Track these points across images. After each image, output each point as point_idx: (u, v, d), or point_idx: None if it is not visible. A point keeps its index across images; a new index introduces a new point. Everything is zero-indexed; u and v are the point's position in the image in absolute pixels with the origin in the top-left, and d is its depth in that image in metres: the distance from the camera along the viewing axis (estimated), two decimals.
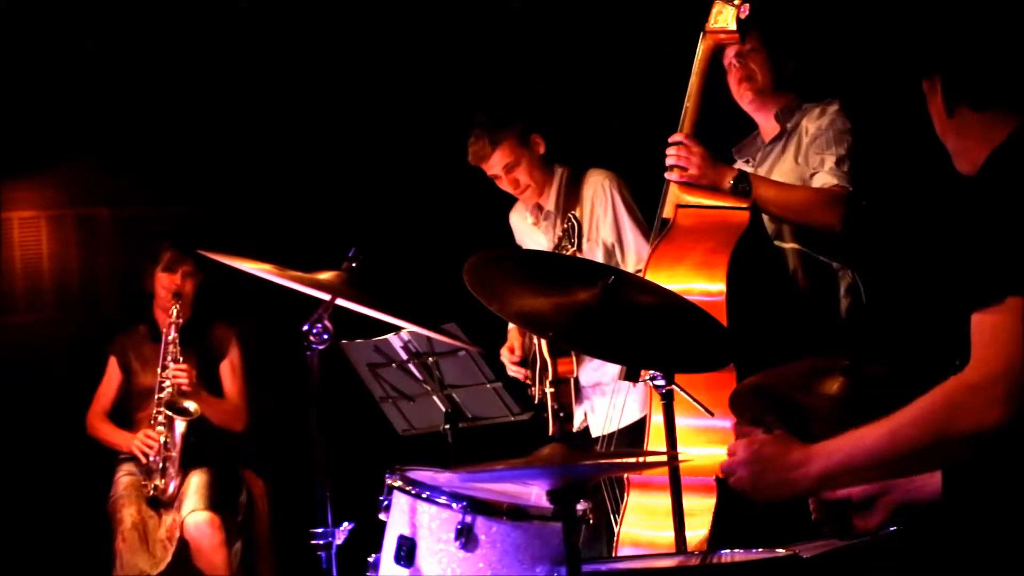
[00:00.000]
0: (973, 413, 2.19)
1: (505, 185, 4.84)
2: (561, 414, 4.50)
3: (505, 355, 4.79)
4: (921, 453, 2.26)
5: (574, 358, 4.63)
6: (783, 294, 3.99)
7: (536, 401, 4.65)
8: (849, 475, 2.36)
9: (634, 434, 4.42)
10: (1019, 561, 2.28)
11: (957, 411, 2.21)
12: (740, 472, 2.44)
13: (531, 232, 4.99)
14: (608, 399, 4.51)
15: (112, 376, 5.79)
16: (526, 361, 4.75)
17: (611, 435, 4.52)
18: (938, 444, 2.23)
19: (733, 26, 4.01)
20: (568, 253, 4.31)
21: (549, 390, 4.54)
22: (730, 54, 4.14)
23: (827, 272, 4.05)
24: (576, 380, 4.67)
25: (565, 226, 4.43)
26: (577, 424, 4.73)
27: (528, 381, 4.72)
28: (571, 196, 4.82)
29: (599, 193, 4.75)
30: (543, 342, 4.63)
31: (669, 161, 4.02)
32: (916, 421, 2.25)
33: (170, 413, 5.48)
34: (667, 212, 4.02)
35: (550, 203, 4.87)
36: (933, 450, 2.25)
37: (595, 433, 4.62)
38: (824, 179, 3.95)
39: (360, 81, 6.45)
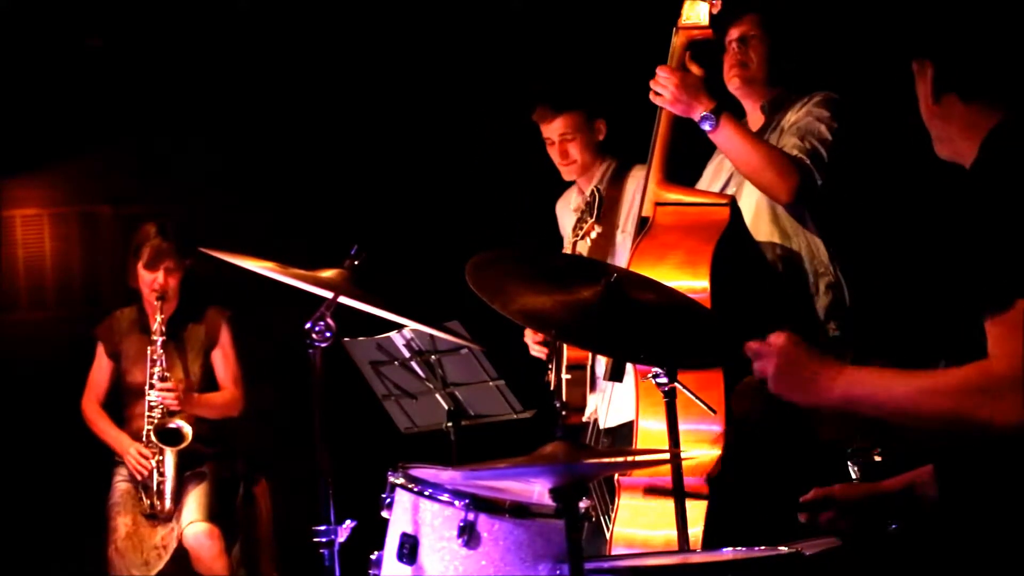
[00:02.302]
0: (992, 404, 2.23)
1: (554, 153, 4.86)
2: (563, 411, 4.49)
3: (529, 334, 4.77)
4: (937, 421, 2.31)
5: None
6: (762, 290, 3.99)
7: (552, 387, 4.64)
8: (866, 409, 2.41)
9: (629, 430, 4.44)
10: (1018, 561, 2.29)
11: (982, 398, 2.24)
12: (767, 363, 2.50)
13: (572, 219, 5.01)
14: (623, 391, 4.51)
15: (101, 363, 5.69)
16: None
17: (616, 428, 4.50)
18: (956, 420, 2.27)
19: (706, 21, 4.01)
20: (587, 226, 4.33)
21: (566, 376, 4.54)
22: (733, 35, 4.14)
23: (807, 268, 4.05)
24: (592, 368, 4.66)
25: (588, 199, 4.44)
26: (588, 413, 4.72)
27: (548, 362, 4.70)
28: (613, 187, 4.84)
29: (640, 187, 4.77)
30: None
31: (653, 86, 4.02)
32: (946, 392, 2.29)
33: (160, 444, 5.38)
34: (646, 210, 4.02)
35: (589, 191, 4.89)
36: (949, 423, 2.29)
37: (603, 424, 4.61)
38: (787, 150, 3.95)
39: (361, 80, 6.45)
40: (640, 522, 3.74)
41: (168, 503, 5.39)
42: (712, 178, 4.28)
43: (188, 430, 5.39)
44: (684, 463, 3.44)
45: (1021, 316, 2.20)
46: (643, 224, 3.98)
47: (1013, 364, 2.21)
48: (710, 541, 3.53)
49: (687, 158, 4.26)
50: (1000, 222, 2.25)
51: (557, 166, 4.90)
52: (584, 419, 4.69)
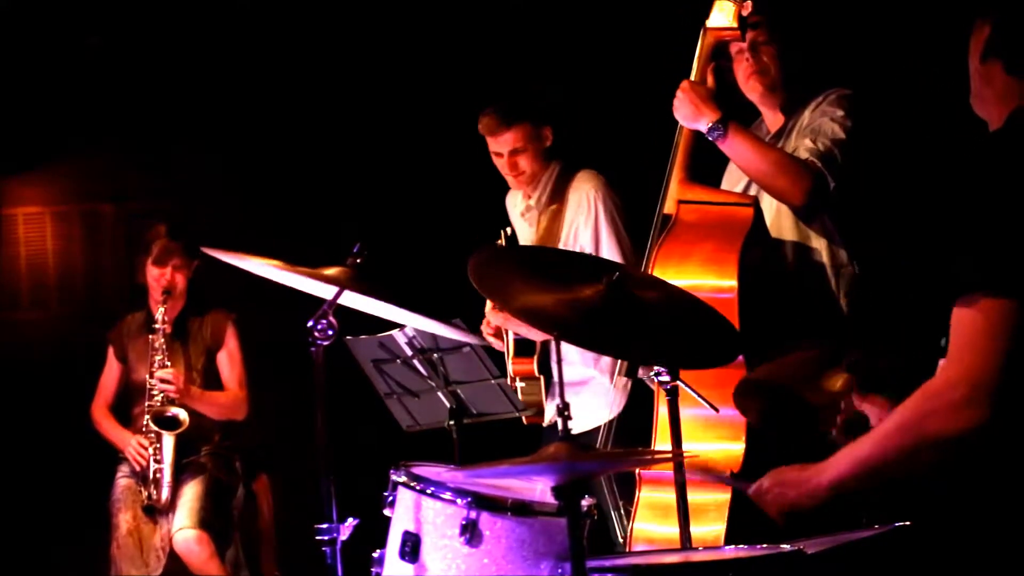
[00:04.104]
0: (940, 417, 2.27)
1: (502, 165, 4.84)
2: (565, 413, 4.51)
3: (485, 324, 4.77)
4: (908, 458, 2.33)
5: (535, 360, 4.65)
6: (783, 289, 3.97)
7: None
8: (853, 482, 2.45)
9: (591, 438, 4.48)
10: (1020, 559, 2.29)
11: (927, 416, 2.29)
12: (766, 497, 2.62)
13: (518, 220, 5.01)
14: (584, 400, 4.56)
15: (111, 366, 5.74)
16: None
17: (578, 435, 4.53)
18: (919, 449, 2.31)
19: (734, 23, 3.99)
20: None
21: (520, 384, 4.56)
22: (743, 44, 4.07)
23: (828, 268, 4.03)
24: (547, 376, 4.69)
25: (507, 235, 4.43)
26: (548, 419, 4.76)
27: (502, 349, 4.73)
28: (557, 194, 4.83)
29: (583, 202, 4.75)
30: (509, 340, 4.66)
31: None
32: (896, 428, 2.34)
33: (157, 428, 5.42)
34: (668, 208, 3.98)
35: (534, 197, 4.89)
36: (917, 454, 2.32)
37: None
38: (800, 153, 3.92)
39: (363, 78, 6.45)
40: (661, 520, 3.72)
41: (165, 492, 5.41)
42: (736, 179, 4.25)
43: (185, 416, 5.42)
44: (710, 458, 3.45)
45: (981, 314, 2.22)
46: (665, 222, 3.94)
47: (956, 373, 2.25)
48: (733, 538, 3.52)
49: (710, 157, 4.24)
50: (986, 207, 2.26)
51: (505, 177, 4.89)
52: (545, 424, 4.73)
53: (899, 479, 2.55)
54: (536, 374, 4.67)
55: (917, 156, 4.70)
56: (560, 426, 2.81)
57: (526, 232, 4.92)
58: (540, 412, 4.72)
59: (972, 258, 2.25)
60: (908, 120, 4.76)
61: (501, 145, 4.79)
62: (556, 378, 4.43)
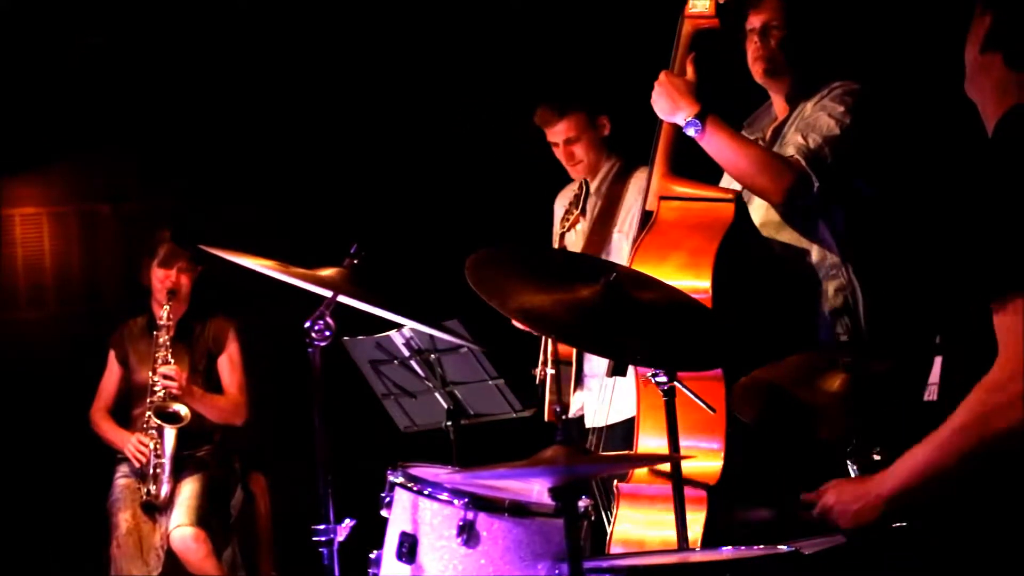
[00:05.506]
0: (1002, 412, 2.23)
1: (560, 154, 4.84)
2: (557, 408, 4.49)
3: None
4: (970, 459, 2.30)
5: None
6: (765, 290, 3.92)
7: (537, 381, 4.64)
8: (915, 492, 2.42)
9: (629, 429, 4.43)
10: (1021, 559, 2.29)
11: (989, 412, 2.26)
12: (833, 512, 2.59)
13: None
14: (609, 390, 4.49)
15: (112, 370, 5.78)
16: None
17: (604, 428, 4.49)
18: (982, 447, 2.27)
19: (712, 11, 3.92)
20: (572, 217, 4.29)
21: (551, 371, 4.53)
22: (754, 23, 3.98)
23: (817, 269, 3.97)
24: (579, 365, 4.65)
25: (576, 191, 4.40)
26: (574, 410, 4.72)
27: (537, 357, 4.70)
28: (615, 186, 4.81)
29: (642, 190, 4.75)
30: None
31: None
32: (957, 429, 2.30)
33: (159, 421, 5.46)
34: (650, 204, 3.92)
35: (593, 185, 4.86)
36: (980, 453, 2.29)
37: (588, 423, 4.58)
38: (788, 148, 3.84)
39: (361, 78, 6.45)
40: (639, 524, 3.71)
41: (165, 488, 5.42)
42: None
43: (187, 411, 5.46)
44: (689, 473, 3.43)
45: (1016, 315, 2.20)
46: (647, 219, 3.89)
47: (1012, 369, 2.22)
48: (710, 541, 3.51)
49: (698, 149, 4.21)
50: (1008, 208, 2.24)
51: (564, 166, 4.89)
52: (571, 415, 4.69)
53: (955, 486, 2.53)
54: (574, 356, 4.63)
55: (922, 154, 4.66)
56: (551, 416, 2.80)
57: (581, 222, 4.88)
58: (564, 408, 4.66)
59: (1014, 258, 2.23)
60: (918, 115, 4.71)
61: (556, 135, 4.81)
62: (560, 373, 4.50)
